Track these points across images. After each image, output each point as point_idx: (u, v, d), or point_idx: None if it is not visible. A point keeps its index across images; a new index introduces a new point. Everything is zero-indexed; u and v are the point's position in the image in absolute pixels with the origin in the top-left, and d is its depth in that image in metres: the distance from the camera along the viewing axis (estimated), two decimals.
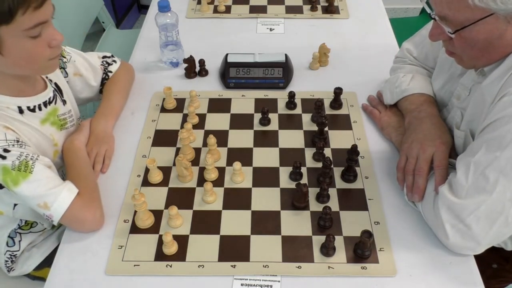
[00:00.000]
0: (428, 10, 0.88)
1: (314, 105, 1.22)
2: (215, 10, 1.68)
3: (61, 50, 0.97)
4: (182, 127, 1.18)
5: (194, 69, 1.38)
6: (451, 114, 1.05)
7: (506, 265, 1.15)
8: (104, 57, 1.27)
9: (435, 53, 1.14)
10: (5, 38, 0.84)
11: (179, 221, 0.99)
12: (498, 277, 1.17)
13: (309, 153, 1.14)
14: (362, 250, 0.92)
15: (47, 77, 1.08)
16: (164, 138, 1.19)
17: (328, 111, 1.26)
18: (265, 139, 1.19)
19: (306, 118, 1.24)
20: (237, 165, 1.05)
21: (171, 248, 0.93)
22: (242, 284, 0.89)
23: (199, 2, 1.71)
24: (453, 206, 0.87)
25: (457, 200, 0.86)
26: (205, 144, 1.14)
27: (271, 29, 1.60)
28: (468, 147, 0.90)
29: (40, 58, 0.92)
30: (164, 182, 1.08)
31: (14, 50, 0.87)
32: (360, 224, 0.98)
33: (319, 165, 1.09)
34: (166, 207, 1.02)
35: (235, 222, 0.99)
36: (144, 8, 3.15)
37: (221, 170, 1.10)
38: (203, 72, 1.39)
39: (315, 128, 1.18)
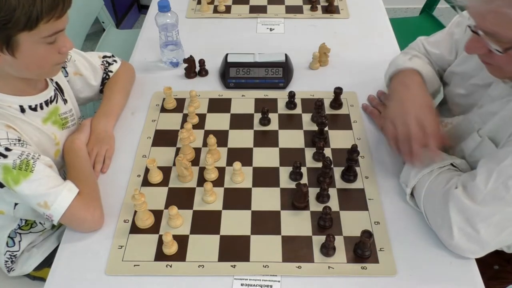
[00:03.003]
0: (468, 22, 0.84)
1: (314, 105, 1.22)
2: (215, 10, 1.68)
3: (67, 56, 0.99)
4: (182, 127, 1.18)
5: (194, 69, 1.38)
6: (467, 117, 1.03)
7: (507, 266, 1.15)
8: (104, 56, 1.28)
9: (445, 53, 1.13)
10: (23, 42, 0.87)
11: (179, 221, 0.99)
12: (499, 278, 1.17)
13: (309, 153, 1.14)
14: (362, 250, 0.92)
15: None
16: (164, 138, 1.19)
17: (328, 111, 1.26)
18: (265, 139, 1.19)
19: (306, 118, 1.24)
20: (237, 165, 1.05)
21: (171, 248, 0.93)
22: (242, 284, 0.89)
23: (199, 2, 1.71)
24: (466, 210, 0.86)
25: (472, 204, 0.85)
26: (205, 144, 1.14)
27: (271, 29, 1.60)
28: (493, 154, 0.89)
29: (49, 63, 0.95)
30: (164, 182, 1.08)
31: (27, 54, 0.89)
32: (360, 224, 0.98)
33: (319, 165, 1.09)
34: (166, 207, 1.02)
35: (235, 222, 0.99)
36: (144, 8, 3.15)
37: (221, 170, 1.10)
38: (203, 72, 1.39)
39: (315, 128, 1.18)
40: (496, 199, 0.84)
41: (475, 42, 0.84)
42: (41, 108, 1.02)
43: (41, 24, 0.85)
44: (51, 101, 1.05)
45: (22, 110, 0.98)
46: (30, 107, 1.00)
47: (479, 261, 0.93)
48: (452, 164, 0.98)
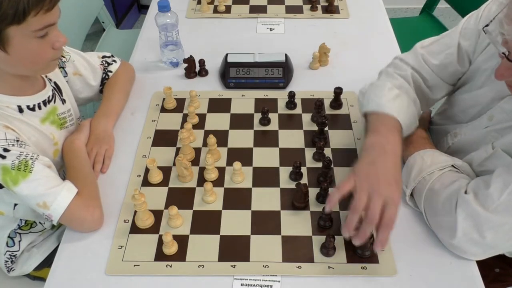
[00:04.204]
0: (502, 50, 0.80)
1: (314, 105, 1.22)
2: (215, 10, 1.68)
3: (62, 51, 0.99)
4: (182, 127, 1.18)
5: (194, 69, 1.38)
6: (479, 129, 1.01)
7: (509, 269, 1.15)
8: (103, 56, 1.28)
9: (454, 66, 1.07)
10: (13, 37, 0.86)
11: (179, 221, 0.99)
12: (501, 281, 1.17)
13: (309, 153, 1.14)
14: (362, 250, 0.92)
15: (46, 76, 1.08)
16: (164, 138, 1.19)
17: (328, 111, 1.26)
18: (265, 139, 1.18)
19: (306, 118, 1.24)
20: (237, 165, 1.05)
21: (171, 248, 0.93)
22: (242, 284, 0.89)
23: (199, 2, 1.71)
24: (477, 216, 0.86)
25: (483, 212, 0.85)
26: (205, 144, 1.14)
27: (271, 29, 1.60)
28: (510, 166, 0.88)
29: (43, 59, 0.94)
30: (164, 182, 1.08)
31: (19, 49, 0.88)
32: None
33: (319, 165, 1.09)
34: (166, 207, 1.02)
35: (235, 222, 0.99)
36: (144, 8, 3.15)
37: (221, 170, 1.10)
38: (203, 72, 1.39)
39: (315, 128, 1.18)
40: (509, 211, 0.84)
41: (509, 70, 0.83)
42: (39, 108, 1.02)
43: (29, 17, 0.84)
44: (49, 101, 1.05)
45: (20, 110, 0.98)
46: (28, 107, 0.99)
47: (480, 264, 0.92)
48: (453, 166, 0.98)
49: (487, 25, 0.83)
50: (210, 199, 1.03)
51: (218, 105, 1.29)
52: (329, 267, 0.91)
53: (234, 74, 1.33)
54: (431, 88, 1.11)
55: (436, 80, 1.09)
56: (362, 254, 0.92)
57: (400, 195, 0.89)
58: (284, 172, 1.09)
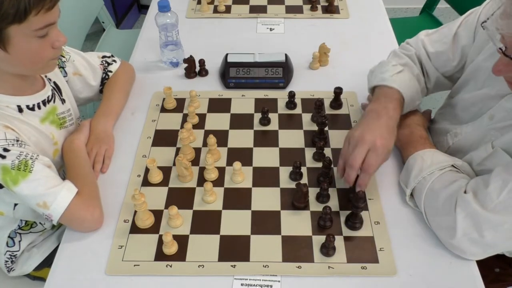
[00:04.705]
0: (499, 45, 0.82)
1: (314, 105, 1.22)
2: (215, 10, 1.68)
3: (62, 51, 0.99)
4: (182, 127, 1.18)
5: (194, 69, 1.38)
6: (479, 128, 1.02)
7: (508, 269, 1.15)
8: (103, 56, 1.28)
9: (446, 54, 1.11)
10: (14, 36, 0.86)
11: (179, 221, 0.99)
12: (500, 281, 1.17)
13: (309, 153, 1.14)
14: (352, 221, 0.96)
15: (46, 76, 1.08)
16: (164, 138, 1.19)
17: (328, 111, 1.26)
18: (265, 139, 1.18)
19: (306, 118, 1.24)
20: (237, 165, 1.05)
21: (171, 248, 0.93)
22: (242, 284, 0.89)
23: (199, 2, 1.71)
24: (476, 216, 0.86)
25: (482, 211, 0.85)
26: (205, 144, 1.14)
27: (271, 29, 1.60)
28: (509, 165, 0.88)
29: (43, 58, 0.94)
30: (164, 182, 1.08)
31: (20, 48, 0.88)
32: None
33: (319, 165, 1.09)
34: (166, 207, 1.02)
35: (235, 222, 0.99)
36: (144, 8, 3.15)
37: (221, 170, 1.10)
38: (203, 72, 1.39)
39: (315, 128, 1.18)
40: (508, 210, 0.84)
41: (506, 66, 0.84)
42: (39, 107, 1.02)
43: (30, 16, 0.84)
44: (49, 101, 1.05)
45: (20, 110, 0.98)
46: (27, 106, 0.99)
47: (480, 264, 0.92)
48: (453, 166, 0.98)
49: (485, 21, 0.84)
50: (210, 199, 1.03)
51: (218, 105, 1.29)
52: (329, 267, 0.91)
53: (234, 74, 1.33)
54: (427, 74, 1.16)
55: (431, 68, 1.14)
56: (352, 226, 0.97)
57: (385, 146, 0.97)
58: (284, 172, 1.09)
